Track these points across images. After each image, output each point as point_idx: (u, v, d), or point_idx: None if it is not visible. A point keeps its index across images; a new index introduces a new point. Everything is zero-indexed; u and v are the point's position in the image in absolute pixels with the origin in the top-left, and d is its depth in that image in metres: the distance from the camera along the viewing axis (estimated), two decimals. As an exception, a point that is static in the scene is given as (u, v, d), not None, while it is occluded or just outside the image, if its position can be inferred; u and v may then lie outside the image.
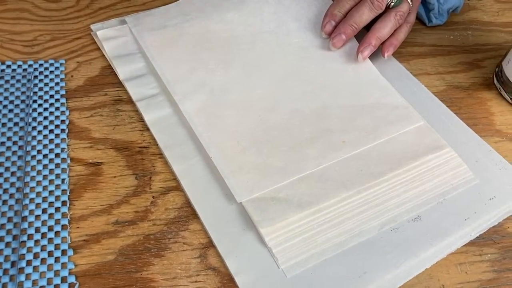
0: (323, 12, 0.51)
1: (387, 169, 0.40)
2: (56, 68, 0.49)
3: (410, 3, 0.49)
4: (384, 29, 0.48)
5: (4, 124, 0.43)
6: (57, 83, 0.47)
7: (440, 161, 0.42)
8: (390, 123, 0.44)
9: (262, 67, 0.48)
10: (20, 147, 0.42)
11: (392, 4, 0.48)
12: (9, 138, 0.42)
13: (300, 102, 0.45)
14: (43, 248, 0.37)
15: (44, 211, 0.38)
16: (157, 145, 0.43)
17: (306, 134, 0.43)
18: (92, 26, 0.52)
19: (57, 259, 0.36)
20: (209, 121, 0.43)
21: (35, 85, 0.47)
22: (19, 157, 0.41)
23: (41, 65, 0.49)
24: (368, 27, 0.49)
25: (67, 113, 0.45)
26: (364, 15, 0.48)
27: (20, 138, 0.43)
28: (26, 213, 0.38)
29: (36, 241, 0.37)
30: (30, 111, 0.45)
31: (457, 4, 0.56)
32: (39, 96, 0.46)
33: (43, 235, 0.37)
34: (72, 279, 0.35)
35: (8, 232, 0.37)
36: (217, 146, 0.41)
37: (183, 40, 0.50)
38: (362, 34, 0.49)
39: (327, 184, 0.39)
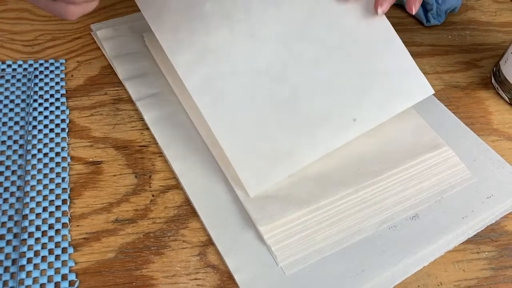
0: None
1: (385, 168, 0.41)
2: (56, 67, 0.49)
3: None
4: None
5: (4, 123, 0.44)
6: (57, 83, 0.47)
7: (438, 160, 0.42)
8: (402, 94, 0.42)
9: (269, 26, 0.43)
10: (20, 146, 0.42)
11: None
12: (9, 137, 0.43)
13: (310, 69, 0.42)
14: (43, 246, 0.37)
15: (44, 209, 0.39)
16: (156, 144, 0.43)
17: (316, 111, 0.41)
18: (92, 26, 0.52)
19: (57, 257, 0.36)
20: (215, 101, 0.40)
21: (36, 84, 0.47)
22: (20, 156, 0.42)
23: (41, 64, 0.49)
24: None
25: (67, 112, 0.45)
26: None
27: (21, 137, 0.43)
28: (26, 211, 0.38)
29: (37, 239, 0.37)
30: (31, 110, 0.45)
31: (455, 5, 0.56)
32: (39, 95, 0.46)
33: (44, 233, 0.37)
34: (72, 276, 0.36)
35: (9, 230, 0.37)
36: (226, 136, 0.40)
37: None
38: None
39: (325, 182, 0.40)
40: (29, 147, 0.42)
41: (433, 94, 0.48)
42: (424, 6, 0.56)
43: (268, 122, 0.40)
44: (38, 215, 0.38)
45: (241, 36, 0.42)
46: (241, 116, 0.40)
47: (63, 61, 0.50)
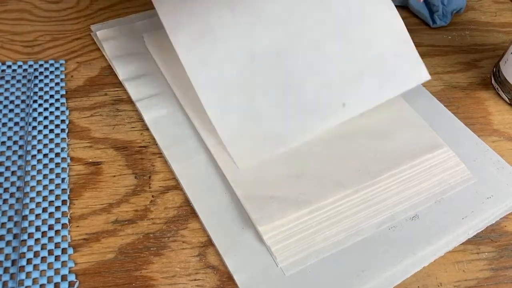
0: None
1: (384, 168, 0.41)
2: (56, 68, 0.49)
3: None
4: None
5: (4, 124, 0.44)
6: (57, 83, 0.47)
7: (438, 161, 0.42)
8: (395, 80, 0.43)
9: (269, 7, 0.43)
10: (20, 147, 0.42)
11: None
12: (9, 138, 0.43)
13: (306, 53, 0.43)
14: (43, 247, 0.37)
15: (44, 210, 0.39)
16: (156, 144, 0.43)
17: (306, 97, 0.42)
18: (92, 27, 0.52)
19: (57, 258, 0.36)
20: (210, 81, 0.41)
21: (35, 85, 0.47)
22: (20, 157, 0.42)
23: (41, 65, 0.49)
24: None
25: (67, 113, 0.45)
26: None
27: (21, 137, 0.43)
28: (26, 212, 0.38)
29: (37, 240, 0.37)
30: (31, 111, 0.45)
31: (461, 5, 0.56)
32: (39, 96, 0.46)
33: (44, 233, 0.37)
34: (72, 277, 0.35)
35: (9, 230, 0.37)
36: (218, 115, 0.41)
37: None
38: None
39: (325, 182, 0.40)
40: (29, 147, 0.42)
41: (433, 95, 0.49)
42: (430, 8, 0.56)
43: (260, 105, 0.42)
44: (37, 216, 0.38)
45: (241, 17, 0.42)
46: (234, 99, 0.41)
47: (63, 61, 0.50)
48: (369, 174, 0.40)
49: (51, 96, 0.46)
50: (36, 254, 0.36)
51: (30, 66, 0.49)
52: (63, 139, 0.43)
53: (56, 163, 0.41)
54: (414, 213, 0.39)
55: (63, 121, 0.45)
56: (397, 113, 0.45)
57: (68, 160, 0.42)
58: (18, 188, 0.40)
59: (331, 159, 0.41)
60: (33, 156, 0.42)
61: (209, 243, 0.38)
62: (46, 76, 0.48)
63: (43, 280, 0.35)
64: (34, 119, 0.44)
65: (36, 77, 0.48)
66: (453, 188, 0.41)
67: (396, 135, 0.43)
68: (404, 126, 0.44)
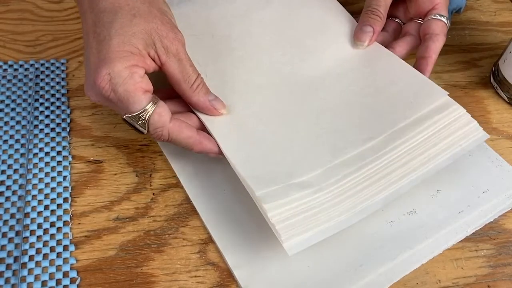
0: None
1: (390, 139, 0.39)
2: (58, 67, 0.49)
3: None
4: None
5: (7, 123, 0.44)
6: (58, 82, 0.48)
7: (444, 123, 0.40)
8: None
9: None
10: (22, 145, 0.43)
11: None
12: (11, 136, 0.43)
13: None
14: (45, 244, 0.37)
15: (46, 207, 0.39)
16: (157, 143, 0.44)
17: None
18: (94, 26, 0.53)
19: (59, 255, 0.37)
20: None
21: (37, 84, 0.47)
22: (22, 155, 0.42)
23: (43, 64, 0.49)
24: None
25: (68, 111, 0.46)
26: None
27: (23, 136, 0.43)
28: (28, 209, 0.39)
29: (39, 237, 0.37)
30: (32, 110, 0.45)
31: (460, 5, 0.57)
32: (41, 95, 0.47)
33: (45, 231, 0.38)
34: (73, 274, 0.36)
35: (11, 228, 0.38)
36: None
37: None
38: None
39: (326, 158, 0.38)
40: (31, 146, 0.43)
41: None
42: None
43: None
44: (39, 213, 0.39)
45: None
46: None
47: (65, 61, 0.50)
48: (372, 148, 0.38)
49: (53, 95, 0.47)
50: (38, 251, 0.37)
51: (32, 65, 0.49)
52: (64, 138, 0.44)
53: (58, 161, 0.42)
54: (411, 208, 0.40)
55: (64, 120, 0.45)
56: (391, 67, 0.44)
57: (70, 158, 0.42)
58: (20, 186, 0.40)
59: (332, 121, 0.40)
60: (35, 154, 0.42)
61: (210, 240, 0.38)
62: (47, 75, 0.48)
63: (45, 277, 0.36)
64: (36, 117, 0.45)
65: (38, 76, 0.48)
66: (464, 149, 0.39)
67: (391, 89, 0.42)
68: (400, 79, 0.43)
